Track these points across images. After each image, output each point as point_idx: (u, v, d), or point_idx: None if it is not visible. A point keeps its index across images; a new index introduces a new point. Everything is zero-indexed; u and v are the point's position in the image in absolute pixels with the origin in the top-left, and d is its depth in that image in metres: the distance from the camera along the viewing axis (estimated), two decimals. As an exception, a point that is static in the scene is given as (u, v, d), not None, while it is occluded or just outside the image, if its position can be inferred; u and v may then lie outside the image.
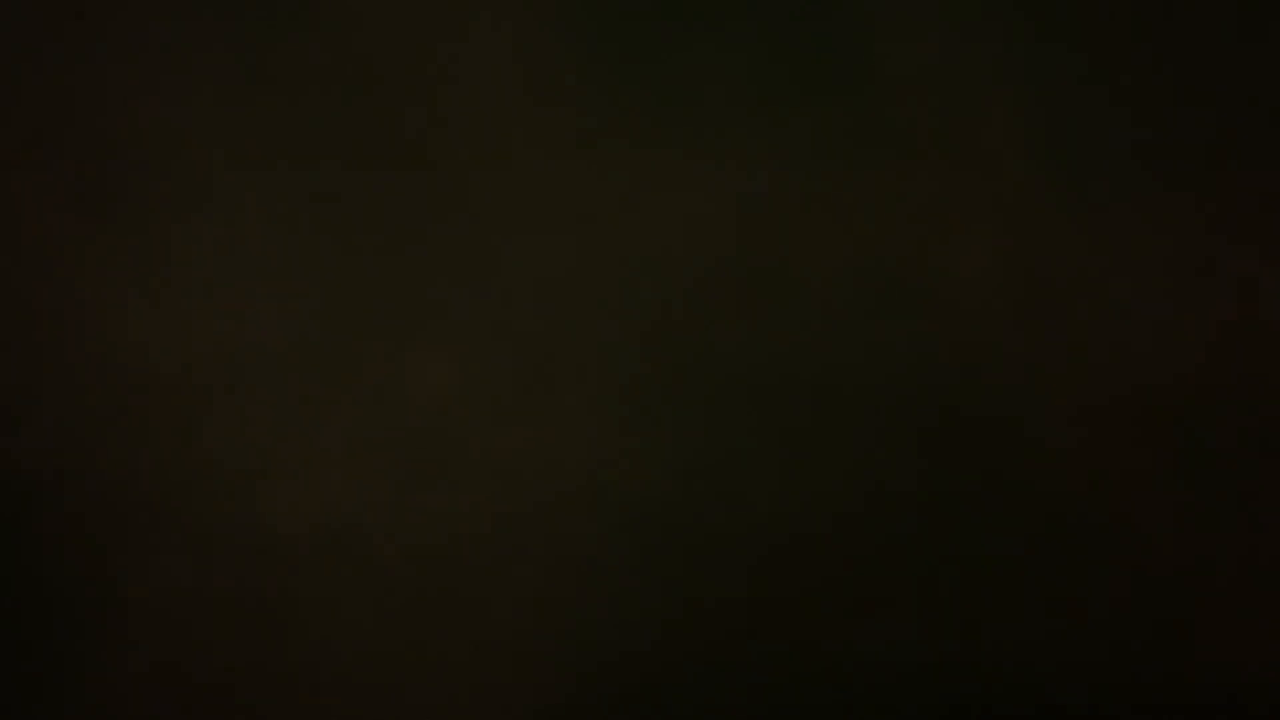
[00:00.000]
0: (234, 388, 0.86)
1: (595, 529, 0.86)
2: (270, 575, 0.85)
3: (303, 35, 0.86)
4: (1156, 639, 0.86)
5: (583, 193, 0.87)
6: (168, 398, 0.85)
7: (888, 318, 0.86)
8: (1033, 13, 0.87)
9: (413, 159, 0.86)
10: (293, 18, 0.86)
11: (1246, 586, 0.86)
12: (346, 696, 0.85)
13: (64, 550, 0.85)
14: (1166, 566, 0.86)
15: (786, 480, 0.86)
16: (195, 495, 0.85)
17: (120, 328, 0.86)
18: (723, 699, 0.86)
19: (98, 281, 0.86)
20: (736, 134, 0.87)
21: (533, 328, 0.86)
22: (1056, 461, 0.86)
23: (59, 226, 0.86)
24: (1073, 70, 0.87)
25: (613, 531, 0.86)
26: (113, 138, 0.86)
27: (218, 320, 0.86)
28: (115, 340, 0.86)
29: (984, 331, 0.86)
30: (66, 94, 0.86)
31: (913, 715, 0.85)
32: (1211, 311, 0.87)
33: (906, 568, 0.86)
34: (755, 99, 0.87)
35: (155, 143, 0.86)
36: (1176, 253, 0.87)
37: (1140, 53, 0.87)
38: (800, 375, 0.86)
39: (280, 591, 0.85)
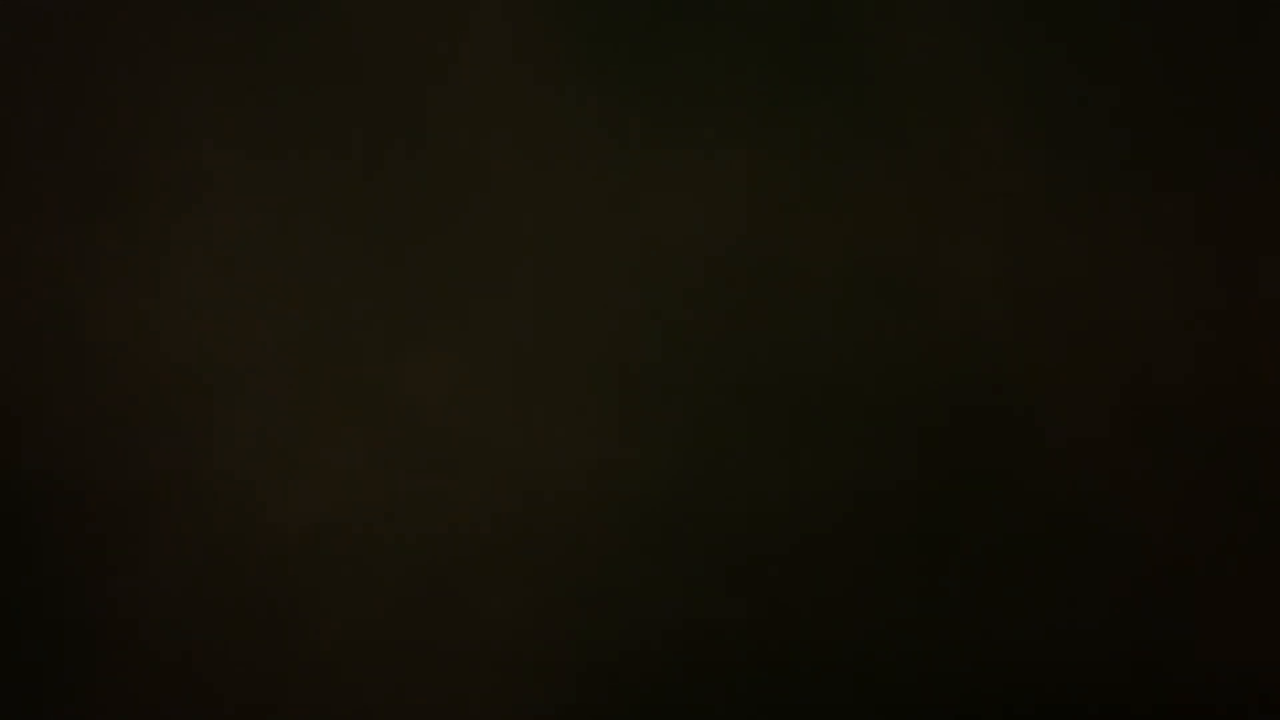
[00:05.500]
0: (234, 387, 0.86)
1: (595, 529, 0.86)
2: (270, 575, 0.85)
3: (302, 35, 0.86)
4: (1156, 639, 0.86)
5: (582, 192, 0.87)
6: (166, 398, 0.85)
7: (887, 317, 0.86)
8: (1033, 12, 0.87)
9: (413, 159, 0.86)
10: (292, 17, 0.86)
11: (1246, 586, 0.86)
12: (346, 696, 0.85)
13: (64, 551, 0.85)
14: (1166, 566, 0.86)
15: (786, 479, 0.86)
16: (195, 495, 0.85)
17: (118, 327, 0.86)
18: (723, 698, 0.86)
19: (96, 281, 0.86)
20: (735, 133, 0.87)
21: (533, 326, 0.86)
22: (1056, 460, 0.86)
23: (57, 226, 0.86)
24: (1073, 70, 0.87)
25: (613, 531, 0.86)
26: (111, 137, 0.86)
27: (217, 320, 0.86)
28: (114, 340, 0.86)
29: (984, 330, 0.86)
30: (65, 93, 0.86)
31: (913, 715, 0.85)
32: (1211, 311, 0.87)
33: (906, 567, 0.86)
34: (755, 97, 0.87)
35: (153, 143, 0.86)
36: (1176, 252, 0.87)
37: (1140, 52, 0.87)
38: (800, 374, 0.86)
39: (280, 591, 0.85)
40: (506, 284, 0.86)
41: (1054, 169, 0.87)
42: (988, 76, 0.87)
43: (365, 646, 0.85)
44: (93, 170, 0.86)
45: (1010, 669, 0.86)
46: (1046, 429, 0.86)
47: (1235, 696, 0.86)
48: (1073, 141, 0.87)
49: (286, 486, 0.85)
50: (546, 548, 0.86)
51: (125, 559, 0.85)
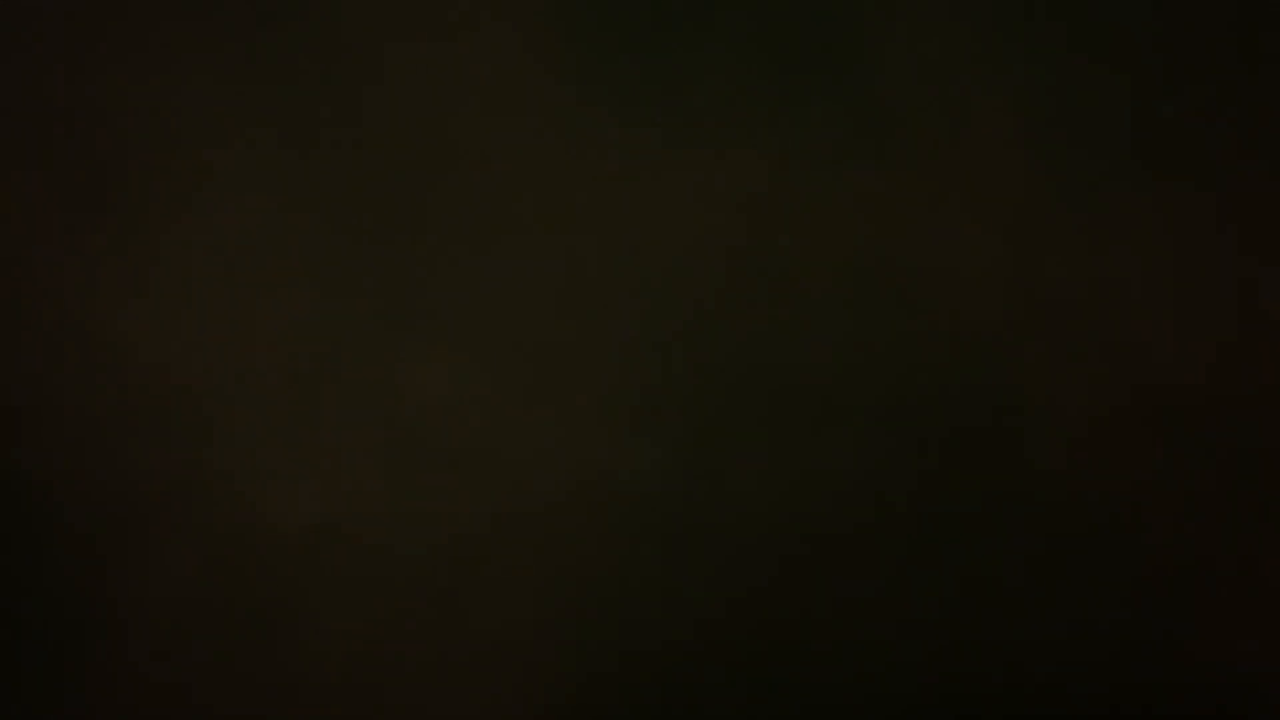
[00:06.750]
0: (233, 388, 0.86)
1: (595, 529, 0.86)
2: (270, 575, 0.85)
3: (303, 35, 0.86)
4: (1156, 639, 0.86)
5: (581, 192, 0.87)
6: (165, 399, 0.86)
7: (889, 317, 0.86)
8: (1033, 12, 0.87)
9: (411, 160, 0.86)
10: (293, 17, 0.86)
11: (1246, 587, 0.86)
12: (346, 696, 0.85)
13: (64, 551, 0.85)
14: (1166, 567, 0.86)
15: (786, 481, 0.86)
16: (194, 496, 0.85)
17: (117, 329, 0.86)
18: (724, 700, 0.86)
19: (93, 283, 0.86)
20: (736, 133, 0.87)
21: (531, 327, 0.86)
22: (1057, 460, 0.86)
23: (55, 228, 0.86)
24: (1073, 69, 0.87)
25: (612, 531, 0.86)
26: (110, 137, 0.86)
27: (215, 321, 0.86)
28: (112, 341, 0.86)
29: (985, 330, 0.86)
30: (63, 93, 0.86)
31: (914, 715, 0.85)
32: (1212, 311, 0.87)
33: (906, 567, 0.86)
34: (755, 98, 0.87)
35: (151, 143, 0.86)
36: (1177, 253, 0.87)
37: (1140, 52, 0.87)
38: (802, 375, 0.86)
39: (280, 591, 0.85)
40: (507, 284, 0.86)
41: (1054, 169, 0.87)
42: (988, 76, 0.87)
43: (364, 647, 0.85)
44: (91, 171, 0.86)
45: (1010, 668, 0.86)
46: (1048, 428, 0.86)
47: (1235, 696, 0.86)
48: (1073, 141, 0.87)
49: (286, 486, 0.85)
50: (547, 548, 0.86)
51: (125, 559, 0.85)
